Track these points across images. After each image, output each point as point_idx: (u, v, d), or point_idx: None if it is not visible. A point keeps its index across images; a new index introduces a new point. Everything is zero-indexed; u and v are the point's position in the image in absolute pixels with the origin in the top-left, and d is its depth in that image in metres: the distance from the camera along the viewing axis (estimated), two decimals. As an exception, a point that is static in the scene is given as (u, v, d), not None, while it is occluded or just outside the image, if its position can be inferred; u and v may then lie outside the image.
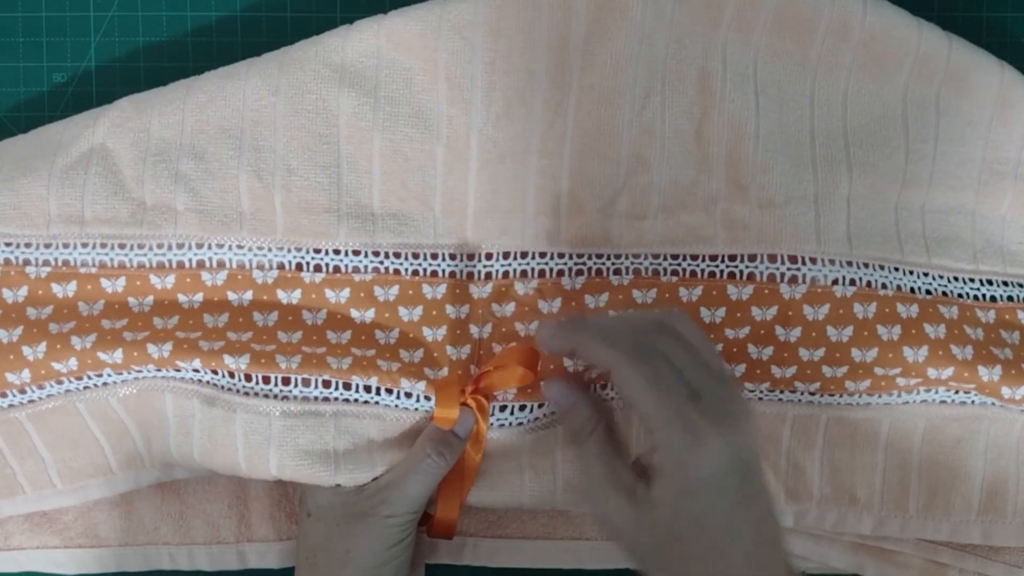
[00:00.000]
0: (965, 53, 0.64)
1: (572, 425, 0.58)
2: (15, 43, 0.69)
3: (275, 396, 0.61)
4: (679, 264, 0.64)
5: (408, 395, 0.61)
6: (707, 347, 0.56)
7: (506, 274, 0.64)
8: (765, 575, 0.53)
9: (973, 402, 0.64)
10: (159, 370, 0.61)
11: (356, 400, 0.61)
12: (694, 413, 0.53)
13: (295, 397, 0.61)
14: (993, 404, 0.64)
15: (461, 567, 0.69)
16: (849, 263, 0.63)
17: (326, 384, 0.61)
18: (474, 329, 0.64)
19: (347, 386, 0.61)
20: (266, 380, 0.61)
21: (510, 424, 0.62)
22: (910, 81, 0.64)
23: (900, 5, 0.64)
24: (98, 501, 0.66)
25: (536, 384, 0.61)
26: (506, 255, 0.64)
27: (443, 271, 0.64)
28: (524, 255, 0.64)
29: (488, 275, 0.64)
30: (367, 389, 0.61)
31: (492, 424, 0.62)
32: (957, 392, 0.64)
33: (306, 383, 0.61)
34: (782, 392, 0.63)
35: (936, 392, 0.64)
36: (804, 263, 0.63)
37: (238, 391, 0.61)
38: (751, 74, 0.64)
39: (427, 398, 0.61)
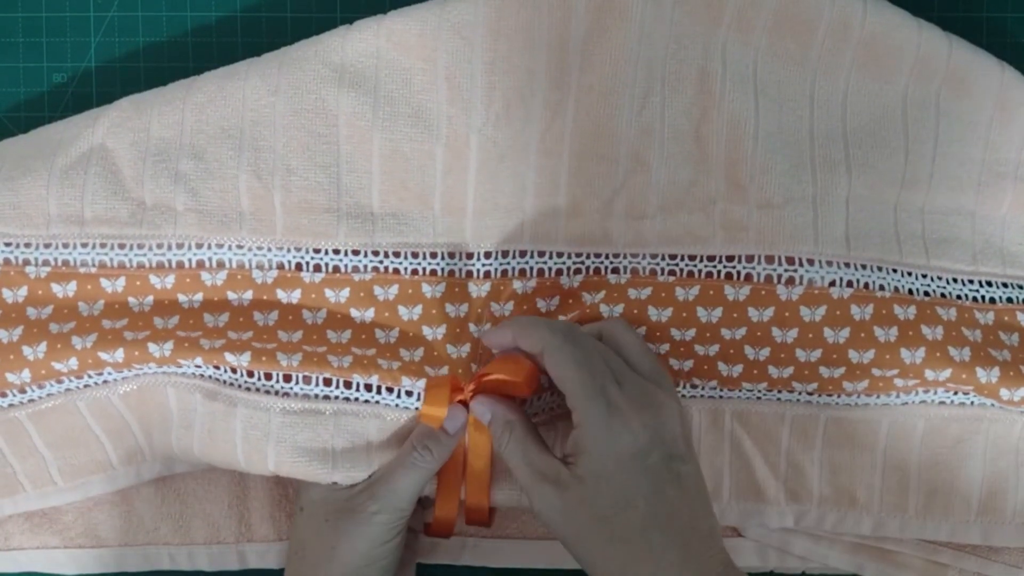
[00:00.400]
0: (965, 54, 0.64)
1: (494, 434, 0.60)
2: (15, 43, 0.69)
3: (276, 392, 0.61)
4: (677, 264, 0.64)
5: (409, 393, 0.61)
6: (640, 348, 0.60)
7: (505, 273, 0.64)
8: (696, 563, 0.55)
9: (972, 403, 0.64)
10: (160, 367, 0.61)
11: (357, 399, 0.61)
12: (616, 393, 0.56)
13: (296, 394, 0.61)
14: (992, 405, 0.64)
15: (461, 567, 0.69)
16: (847, 264, 0.63)
17: (327, 382, 0.61)
18: (473, 328, 0.64)
19: (348, 384, 0.61)
20: (268, 376, 0.61)
21: None
22: (910, 82, 0.64)
23: (900, 5, 0.64)
24: (98, 501, 0.66)
25: (534, 392, 0.61)
26: (505, 254, 0.64)
27: (442, 270, 0.64)
28: (523, 254, 0.64)
29: (487, 274, 0.64)
30: (368, 388, 0.61)
31: None
32: (956, 393, 0.64)
33: (307, 380, 0.61)
34: (780, 392, 0.63)
35: (935, 393, 0.64)
36: (801, 264, 0.63)
37: (240, 386, 0.61)
38: (751, 74, 0.64)
39: None
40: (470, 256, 0.64)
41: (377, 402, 0.61)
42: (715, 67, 0.63)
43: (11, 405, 0.62)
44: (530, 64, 0.63)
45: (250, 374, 0.61)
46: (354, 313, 0.63)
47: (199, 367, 0.61)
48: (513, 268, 0.64)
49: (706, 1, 0.63)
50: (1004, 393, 0.62)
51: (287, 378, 0.61)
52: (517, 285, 0.64)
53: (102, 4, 0.69)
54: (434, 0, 0.63)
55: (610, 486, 0.55)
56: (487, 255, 0.64)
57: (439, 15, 0.63)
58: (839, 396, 0.63)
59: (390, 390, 0.61)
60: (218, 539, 0.68)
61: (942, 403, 0.64)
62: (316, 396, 0.61)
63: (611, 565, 0.55)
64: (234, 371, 0.61)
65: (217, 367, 0.61)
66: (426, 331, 0.63)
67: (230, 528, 0.68)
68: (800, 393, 0.63)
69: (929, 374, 0.62)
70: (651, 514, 0.55)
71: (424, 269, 0.64)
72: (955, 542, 0.66)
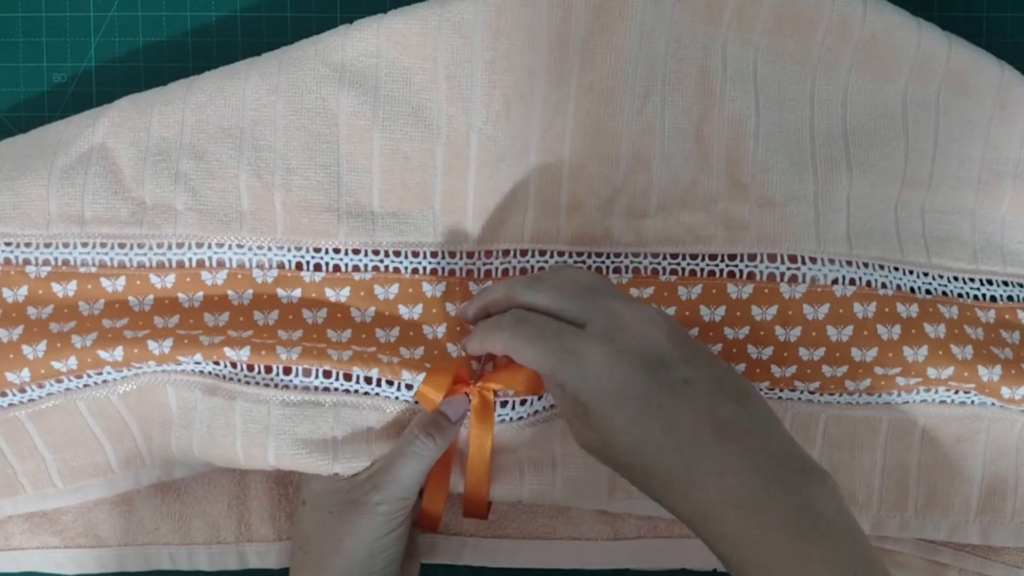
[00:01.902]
0: (965, 53, 0.64)
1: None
2: (15, 43, 0.69)
3: (276, 385, 0.61)
4: (678, 263, 0.64)
5: (409, 387, 0.61)
6: (592, 278, 0.59)
7: (506, 271, 0.64)
8: (728, 459, 0.52)
9: (973, 402, 0.64)
10: (160, 365, 0.61)
11: (356, 391, 0.62)
12: (576, 340, 0.55)
13: (295, 387, 0.61)
14: (993, 404, 0.64)
15: (461, 567, 0.69)
16: (849, 263, 0.63)
17: (327, 374, 0.61)
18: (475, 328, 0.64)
19: (348, 377, 0.61)
20: (268, 370, 0.61)
21: (510, 419, 0.62)
22: (910, 81, 0.64)
23: (900, 5, 0.64)
24: (98, 501, 0.66)
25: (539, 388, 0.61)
26: (505, 253, 0.64)
27: (443, 269, 0.64)
28: (524, 253, 0.64)
29: (488, 272, 0.64)
30: (368, 380, 0.62)
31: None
32: (957, 392, 0.64)
33: (307, 373, 0.61)
34: (781, 391, 0.63)
35: (936, 392, 0.64)
36: (804, 262, 0.63)
37: (239, 380, 0.61)
38: (751, 73, 0.64)
39: None
40: (471, 255, 0.64)
41: (377, 394, 0.62)
42: (715, 66, 0.63)
43: (11, 404, 0.62)
44: (530, 63, 0.63)
45: (250, 368, 0.61)
46: (354, 312, 0.63)
47: (198, 363, 0.61)
48: (514, 267, 0.64)
49: (706, 0, 0.63)
50: (1005, 391, 0.62)
51: (287, 371, 0.61)
52: None
53: (102, 4, 0.69)
54: (434, 0, 0.63)
55: (619, 427, 0.54)
56: (487, 254, 0.64)
57: (439, 14, 0.63)
58: (840, 395, 0.63)
59: (390, 383, 0.62)
60: (218, 539, 0.68)
61: (942, 402, 0.64)
62: (316, 388, 0.62)
63: (650, 490, 0.55)
64: (234, 366, 0.61)
65: (217, 362, 0.61)
66: (426, 330, 0.63)
67: (230, 528, 0.68)
68: (802, 392, 0.63)
69: (931, 372, 0.62)
70: (669, 433, 0.53)
71: (424, 268, 0.64)
72: (954, 542, 0.66)
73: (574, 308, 0.57)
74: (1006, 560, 0.66)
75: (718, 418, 0.53)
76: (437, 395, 0.60)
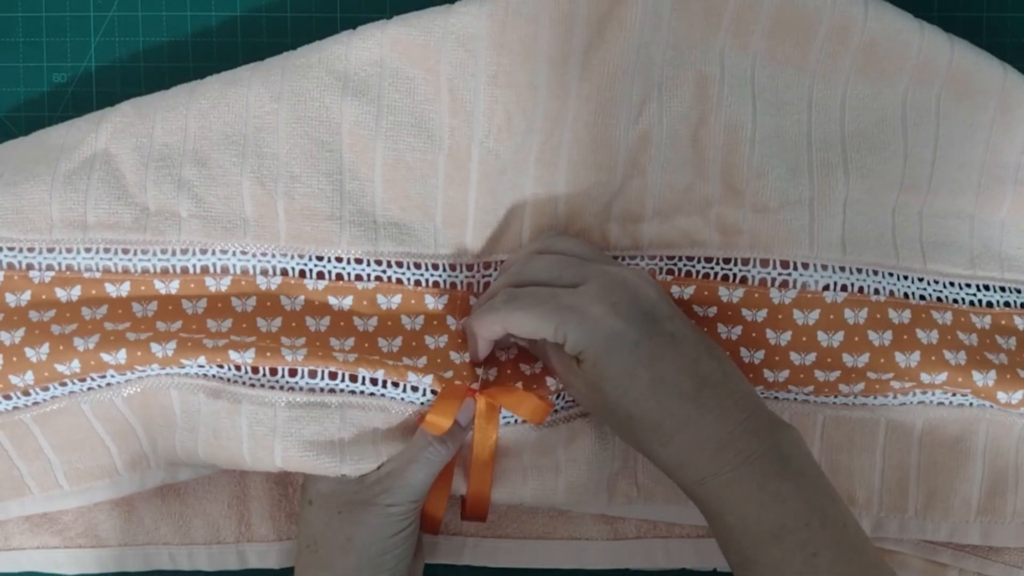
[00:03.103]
0: (967, 56, 0.64)
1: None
2: (15, 43, 0.69)
3: (281, 387, 0.61)
4: (674, 264, 0.64)
5: (415, 388, 0.61)
6: (584, 247, 0.62)
7: None
8: (713, 411, 0.57)
9: (971, 404, 0.64)
10: (163, 368, 0.61)
11: (362, 392, 0.61)
12: (572, 297, 0.58)
13: (301, 388, 0.61)
14: (991, 406, 0.64)
15: (461, 567, 0.69)
16: (842, 268, 0.63)
17: (332, 375, 0.61)
18: None
19: (353, 378, 0.61)
20: (272, 372, 0.61)
21: (516, 422, 0.62)
22: (911, 85, 0.64)
23: (900, 6, 0.64)
24: (98, 501, 0.66)
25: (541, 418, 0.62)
26: (503, 264, 0.64)
27: (444, 282, 0.64)
28: None
29: (487, 285, 0.64)
30: (373, 382, 0.61)
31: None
32: (955, 394, 0.64)
33: (312, 374, 0.61)
34: (776, 392, 0.64)
35: (933, 394, 0.64)
36: (796, 268, 0.63)
37: (244, 383, 0.61)
38: (749, 79, 0.64)
39: (434, 392, 0.61)
40: (471, 268, 0.64)
41: (383, 395, 0.62)
42: (713, 72, 0.63)
43: (15, 407, 0.62)
44: (532, 78, 0.63)
45: (255, 370, 0.61)
46: (357, 321, 0.63)
47: (202, 367, 0.61)
48: None
49: (704, 7, 0.63)
50: (1001, 396, 0.62)
51: (292, 373, 0.61)
52: None
53: (102, 4, 0.69)
54: (437, 9, 0.63)
55: (611, 376, 0.57)
56: (487, 266, 0.64)
57: (443, 26, 0.63)
58: (836, 396, 0.63)
59: (396, 384, 0.62)
60: (218, 539, 0.68)
61: (940, 404, 0.64)
62: (321, 389, 0.62)
63: (632, 438, 0.58)
64: (238, 368, 0.61)
65: (221, 366, 0.61)
66: (428, 341, 0.63)
67: (230, 528, 0.68)
68: (796, 394, 0.63)
69: (925, 377, 0.62)
70: (654, 380, 0.56)
71: (427, 280, 0.64)
72: (955, 542, 0.66)
73: (568, 275, 0.59)
74: (1006, 560, 0.67)
75: (699, 371, 0.57)
76: (446, 421, 0.60)
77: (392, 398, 0.62)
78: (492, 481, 0.63)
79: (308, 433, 0.61)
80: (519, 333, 0.59)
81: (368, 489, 0.61)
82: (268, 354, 0.61)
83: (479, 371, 0.63)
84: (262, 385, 0.61)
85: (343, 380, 0.61)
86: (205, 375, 0.61)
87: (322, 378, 0.61)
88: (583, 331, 0.57)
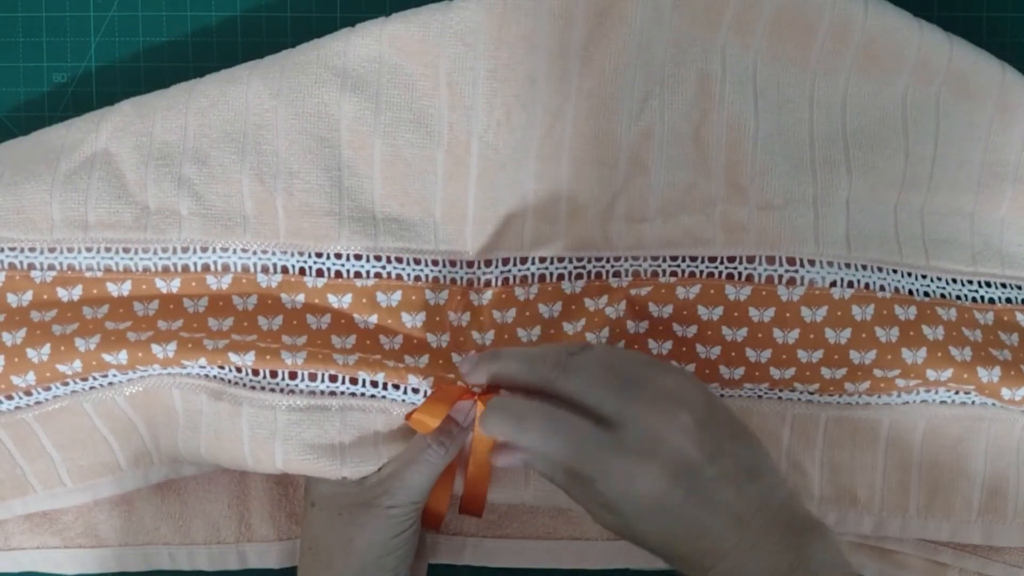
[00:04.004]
0: (966, 55, 0.64)
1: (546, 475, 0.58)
2: (15, 43, 0.69)
3: (281, 390, 0.61)
4: (678, 265, 0.64)
5: (415, 391, 0.61)
6: (621, 359, 0.58)
7: (506, 280, 0.64)
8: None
9: (974, 402, 0.64)
10: (165, 369, 0.61)
11: (363, 394, 0.61)
12: (608, 453, 0.55)
13: (301, 391, 0.61)
14: (993, 404, 0.64)
15: (461, 567, 0.69)
16: (847, 265, 0.63)
17: (332, 378, 0.61)
18: (476, 336, 0.64)
19: (354, 380, 0.61)
20: (273, 375, 0.61)
21: None
22: (910, 83, 0.64)
23: (900, 6, 0.64)
24: (98, 501, 0.66)
25: None
26: (505, 261, 0.64)
27: (444, 277, 0.64)
28: (523, 261, 0.64)
29: (488, 282, 0.64)
30: (374, 384, 0.61)
31: None
32: (957, 392, 0.64)
33: (312, 377, 0.61)
34: (781, 391, 0.64)
35: (936, 392, 0.64)
36: (802, 265, 0.63)
37: (244, 385, 0.61)
38: (750, 76, 0.64)
39: None
40: (471, 264, 0.64)
41: (384, 397, 0.62)
42: (714, 69, 0.63)
43: (18, 407, 0.62)
44: (531, 71, 0.63)
45: (255, 373, 0.61)
46: (357, 319, 0.63)
47: (203, 367, 0.61)
48: (514, 275, 0.64)
49: (705, 5, 0.63)
50: (1005, 392, 0.62)
51: (292, 375, 0.61)
52: (519, 292, 0.64)
53: (102, 4, 0.69)
54: (436, 5, 0.63)
55: (651, 532, 0.56)
56: (487, 263, 0.64)
57: (441, 21, 0.63)
58: (840, 396, 0.63)
59: (396, 387, 0.62)
60: (218, 539, 0.68)
61: (943, 403, 0.64)
62: (322, 392, 0.61)
63: (672, 563, 0.57)
64: (239, 370, 0.61)
65: (222, 367, 0.61)
66: (430, 338, 0.63)
67: (230, 528, 0.68)
68: (801, 392, 0.63)
69: (931, 374, 0.62)
70: (696, 527, 0.55)
71: (427, 276, 0.64)
72: (956, 542, 0.66)
73: (610, 407, 0.55)
74: (1007, 560, 0.67)
75: (739, 505, 0.55)
76: (433, 421, 0.59)
77: (393, 400, 0.62)
78: (491, 480, 0.63)
79: (308, 436, 0.61)
80: (531, 450, 0.56)
81: (369, 491, 0.61)
82: (268, 356, 0.61)
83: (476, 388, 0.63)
84: (263, 388, 0.61)
85: (343, 383, 0.61)
86: (207, 376, 0.61)
87: (322, 380, 0.61)
88: (618, 492, 0.55)
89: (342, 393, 0.62)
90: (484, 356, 0.59)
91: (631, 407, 0.55)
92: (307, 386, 0.61)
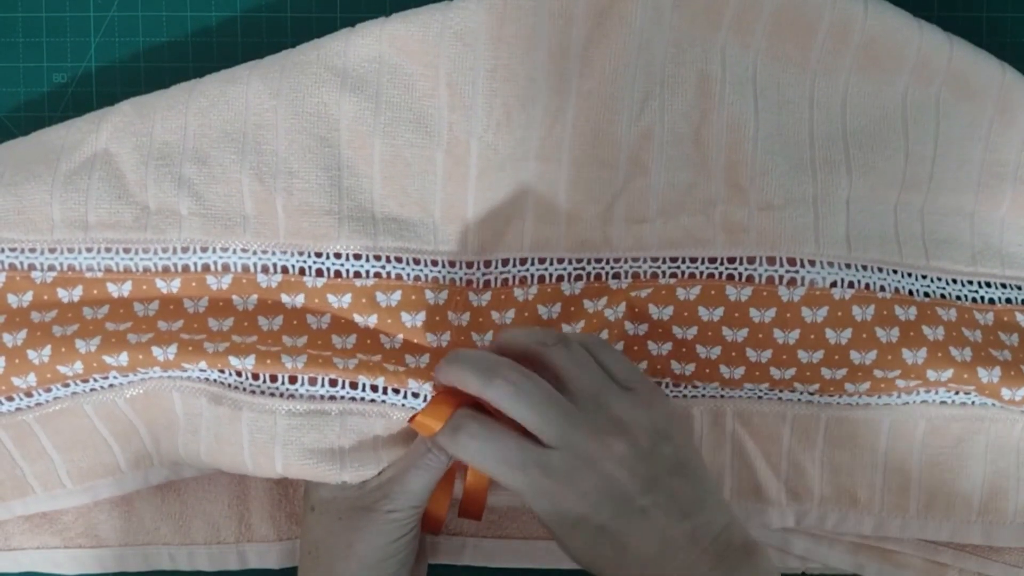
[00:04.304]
0: (966, 55, 0.64)
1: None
2: (15, 43, 0.69)
3: (281, 395, 0.61)
4: (678, 267, 0.64)
5: (416, 395, 0.61)
6: (613, 356, 0.60)
7: (505, 281, 0.64)
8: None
9: (973, 403, 0.64)
10: (165, 371, 0.61)
11: (363, 399, 0.61)
12: (540, 471, 0.56)
13: (301, 396, 0.61)
14: (993, 405, 0.64)
15: (461, 567, 0.69)
16: (848, 265, 0.63)
17: (332, 383, 0.61)
18: (476, 337, 0.64)
19: (353, 385, 0.61)
20: (273, 379, 0.61)
21: None
22: (910, 83, 0.64)
23: (900, 6, 0.64)
24: (98, 501, 0.66)
25: None
26: (504, 262, 0.64)
27: (443, 278, 0.64)
28: (523, 262, 0.64)
29: (487, 283, 0.64)
30: (374, 388, 0.61)
31: None
32: (957, 393, 0.64)
33: (312, 382, 0.61)
34: (781, 391, 0.64)
35: (936, 393, 0.64)
36: (803, 265, 0.63)
37: (244, 389, 0.61)
38: (750, 77, 0.64)
39: None
40: (470, 265, 0.64)
41: (383, 402, 0.61)
42: (714, 70, 0.63)
43: (18, 409, 0.62)
44: (531, 71, 0.63)
45: (255, 377, 0.61)
46: (357, 318, 0.63)
47: (203, 371, 0.61)
48: (514, 276, 0.64)
49: (705, 5, 0.63)
50: (1005, 393, 0.62)
51: (292, 379, 0.61)
52: (518, 293, 0.64)
53: (102, 4, 0.69)
54: (436, 5, 0.63)
55: (574, 547, 0.58)
56: (487, 264, 0.64)
57: (441, 21, 0.63)
58: (840, 396, 0.63)
59: (396, 391, 0.61)
60: (218, 539, 0.68)
61: (943, 403, 0.64)
62: (322, 397, 0.61)
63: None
64: (239, 374, 0.61)
65: (222, 371, 0.61)
66: (430, 338, 0.63)
67: (230, 528, 0.68)
68: (802, 393, 0.63)
69: (931, 374, 0.62)
70: (619, 551, 0.57)
71: (427, 276, 0.64)
72: (956, 542, 0.66)
73: (553, 429, 0.57)
74: (1007, 560, 0.67)
75: (667, 537, 0.56)
76: (436, 423, 0.59)
77: (393, 404, 0.61)
78: (491, 483, 0.63)
79: (308, 441, 0.61)
80: (509, 413, 0.57)
81: (368, 495, 0.61)
82: (268, 360, 0.61)
83: None
84: (263, 392, 0.61)
85: (343, 387, 0.61)
86: (207, 379, 0.61)
87: (322, 385, 0.61)
88: (544, 506, 0.57)
89: (342, 398, 0.61)
90: (446, 358, 0.59)
91: (570, 434, 0.57)
92: (307, 390, 0.61)
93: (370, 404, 0.61)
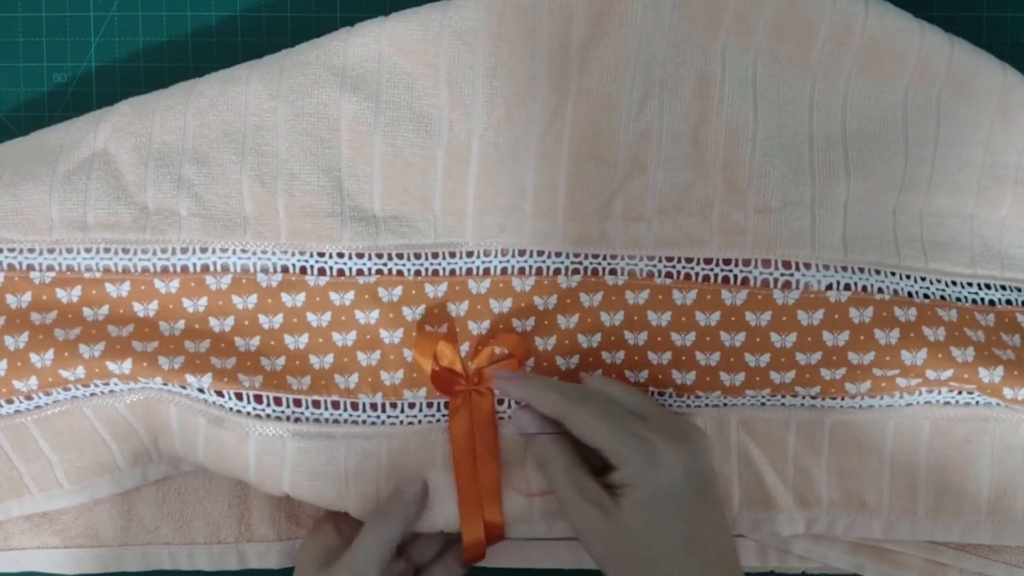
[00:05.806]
0: (967, 56, 0.64)
1: (538, 451, 0.60)
2: (15, 43, 0.69)
3: (287, 418, 0.62)
4: (674, 266, 0.64)
5: (412, 405, 0.63)
6: (634, 393, 0.62)
7: (504, 271, 0.64)
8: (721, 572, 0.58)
9: (978, 403, 0.64)
10: (165, 384, 0.61)
11: (364, 421, 0.63)
12: (646, 431, 0.58)
13: (307, 419, 0.62)
14: (998, 404, 0.64)
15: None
16: (844, 268, 0.63)
17: (335, 405, 0.62)
18: (472, 325, 0.64)
19: (355, 406, 0.63)
20: (277, 401, 0.62)
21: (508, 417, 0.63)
22: (911, 85, 0.64)
23: (900, 6, 0.64)
24: (98, 501, 0.66)
25: (518, 366, 0.63)
26: (504, 252, 0.64)
27: (443, 269, 0.64)
28: (522, 253, 0.64)
29: (486, 271, 0.64)
30: (373, 407, 0.63)
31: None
32: (961, 392, 0.64)
33: (316, 404, 0.62)
34: (784, 397, 0.64)
35: (939, 393, 0.64)
36: (798, 268, 0.63)
37: (248, 414, 0.62)
38: (750, 78, 0.64)
39: (428, 404, 0.63)
40: (470, 254, 0.64)
41: (384, 421, 0.63)
42: (714, 70, 0.63)
43: (17, 411, 0.62)
44: (531, 70, 0.63)
45: (259, 400, 0.62)
46: (359, 315, 0.63)
47: (202, 391, 0.61)
48: (512, 266, 0.64)
49: (705, 5, 0.63)
50: (1008, 392, 0.62)
51: (297, 403, 0.62)
52: (516, 283, 0.64)
53: (102, 4, 0.69)
54: (435, 4, 0.63)
55: (654, 516, 0.56)
56: (486, 252, 0.64)
57: (440, 20, 0.63)
58: (842, 398, 0.63)
59: (393, 406, 0.63)
60: (218, 539, 0.68)
61: (947, 403, 0.64)
62: (327, 420, 0.63)
63: None
64: (240, 398, 0.62)
65: (221, 394, 0.61)
66: (428, 330, 0.64)
67: (230, 528, 0.68)
68: (804, 397, 0.63)
69: (931, 374, 0.62)
70: (690, 539, 0.57)
71: (427, 269, 0.64)
72: (966, 543, 0.66)
73: (635, 407, 0.60)
74: (1007, 560, 0.67)
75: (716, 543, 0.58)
76: (426, 363, 0.62)
77: (392, 422, 0.63)
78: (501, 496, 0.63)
79: (316, 464, 0.62)
80: (578, 433, 0.59)
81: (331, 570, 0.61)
82: (275, 382, 0.61)
83: (470, 364, 0.64)
84: (268, 416, 0.62)
85: (345, 409, 0.63)
86: (205, 401, 0.61)
87: (326, 408, 0.63)
88: (648, 466, 0.57)
89: (345, 420, 0.63)
90: (520, 376, 0.63)
91: (653, 406, 0.60)
92: (312, 414, 0.62)
93: (372, 427, 0.63)
